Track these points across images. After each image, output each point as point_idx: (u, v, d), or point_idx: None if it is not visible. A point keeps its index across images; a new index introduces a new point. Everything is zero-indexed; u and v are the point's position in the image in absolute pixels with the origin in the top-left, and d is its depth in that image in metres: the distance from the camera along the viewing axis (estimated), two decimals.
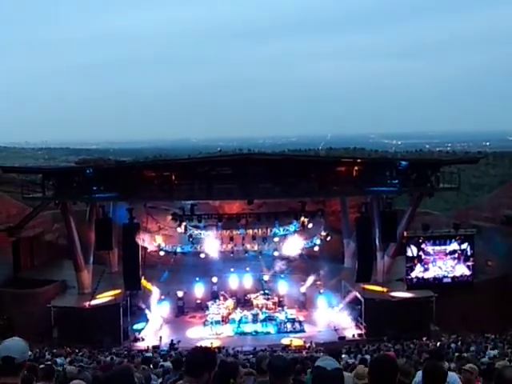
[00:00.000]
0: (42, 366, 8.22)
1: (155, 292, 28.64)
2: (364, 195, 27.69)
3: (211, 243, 28.86)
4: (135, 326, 26.53)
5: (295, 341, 24.91)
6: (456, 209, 38.93)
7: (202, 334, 26.43)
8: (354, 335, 26.18)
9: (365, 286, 26.62)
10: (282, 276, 30.76)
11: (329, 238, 30.45)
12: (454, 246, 26.33)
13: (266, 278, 30.87)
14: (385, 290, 26.65)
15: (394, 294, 26.45)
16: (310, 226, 29.58)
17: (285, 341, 24.91)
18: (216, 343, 24.16)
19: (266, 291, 30.16)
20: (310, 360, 11.35)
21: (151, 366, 12.34)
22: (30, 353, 9.23)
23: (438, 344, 20.01)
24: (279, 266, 30.51)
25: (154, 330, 26.71)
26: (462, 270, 26.43)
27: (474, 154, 66.56)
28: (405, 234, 26.65)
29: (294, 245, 29.38)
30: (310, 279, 29.86)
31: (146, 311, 27.56)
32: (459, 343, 19.98)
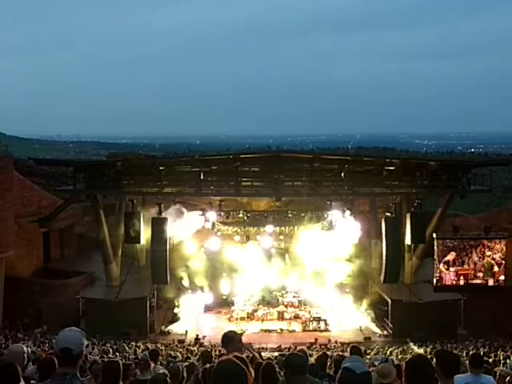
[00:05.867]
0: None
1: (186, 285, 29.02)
2: (393, 195, 27.37)
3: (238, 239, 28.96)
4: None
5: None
6: (487, 211, 38.27)
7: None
8: (379, 336, 25.98)
9: None
10: (308, 274, 30.61)
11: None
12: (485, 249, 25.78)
13: (292, 275, 30.75)
14: None
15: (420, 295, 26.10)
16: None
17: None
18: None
19: (292, 289, 30.09)
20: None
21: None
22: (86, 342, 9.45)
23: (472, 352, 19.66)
24: (305, 263, 30.36)
25: (181, 323, 26.92)
26: (492, 273, 25.89)
27: (507, 156, 65.51)
28: (434, 235, 26.23)
29: (321, 243, 29.22)
30: (337, 278, 29.67)
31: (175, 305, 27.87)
32: (487, 348, 19.64)
